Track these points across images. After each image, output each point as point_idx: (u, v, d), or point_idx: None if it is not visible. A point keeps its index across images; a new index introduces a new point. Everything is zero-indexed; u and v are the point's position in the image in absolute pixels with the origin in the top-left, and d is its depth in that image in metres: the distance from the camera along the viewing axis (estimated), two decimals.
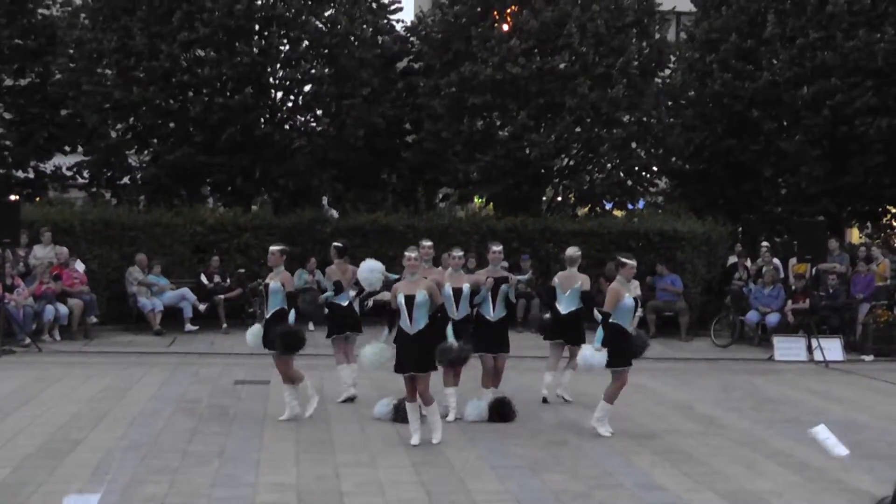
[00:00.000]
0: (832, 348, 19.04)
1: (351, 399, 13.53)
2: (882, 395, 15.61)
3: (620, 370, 11.81)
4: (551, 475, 9.96)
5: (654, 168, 26.59)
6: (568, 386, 14.07)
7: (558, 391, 13.99)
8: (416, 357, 11.02)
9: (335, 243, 14.50)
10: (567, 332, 13.85)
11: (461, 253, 12.85)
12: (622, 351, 11.73)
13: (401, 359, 11.14)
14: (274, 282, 12.32)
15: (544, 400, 13.79)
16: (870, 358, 19.39)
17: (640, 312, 16.02)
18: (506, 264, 21.16)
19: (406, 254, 11.27)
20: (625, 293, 11.74)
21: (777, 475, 10.28)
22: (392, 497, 9.07)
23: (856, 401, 14.83)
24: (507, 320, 13.30)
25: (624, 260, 12.05)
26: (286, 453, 10.67)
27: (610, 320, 11.71)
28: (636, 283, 21.42)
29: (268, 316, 12.35)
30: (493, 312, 12.94)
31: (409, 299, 11.01)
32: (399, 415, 11.92)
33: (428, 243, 13.36)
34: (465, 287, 12.48)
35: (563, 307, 13.76)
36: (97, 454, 10.35)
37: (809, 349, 19.14)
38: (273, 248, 12.71)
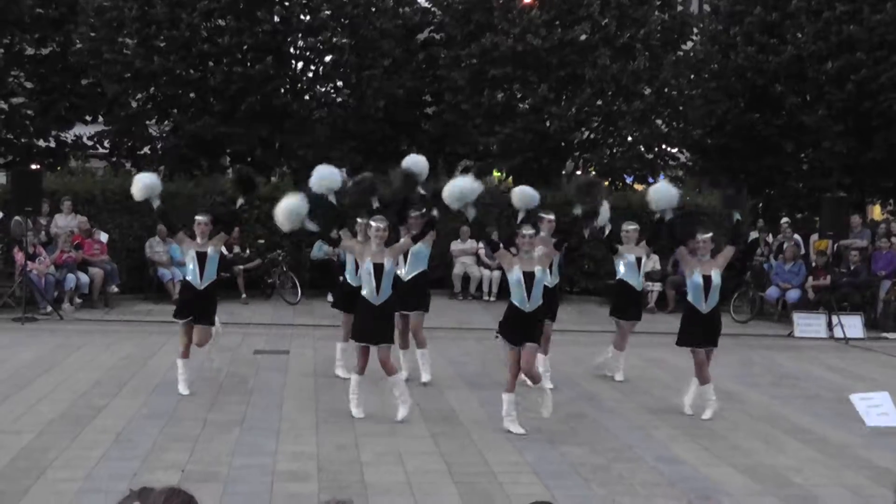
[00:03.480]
0: (853, 325, 18.95)
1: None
2: None
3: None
4: (570, 448, 9.97)
5: (675, 141, 26.46)
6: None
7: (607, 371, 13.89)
8: (378, 328, 10.76)
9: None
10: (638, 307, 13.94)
11: (532, 231, 10.84)
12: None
13: (361, 327, 10.86)
14: (212, 248, 12.05)
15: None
16: (892, 336, 19.28)
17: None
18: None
19: (372, 223, 10.87)
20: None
21: (796, 451, 10.25)
22: (411, 467, 9.10)
23: (875, 378, 14.76)
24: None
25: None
26: (306, 423, 10.70)
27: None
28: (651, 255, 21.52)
29: (203, 287, 12.05)
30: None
31: (378, 268, 10.70)
32: None
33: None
34: (538, 270, 10.48)
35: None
36: (119, 421, 10.42)
37: (830, 326, 19.04)
38: (202, 217, 12.28)
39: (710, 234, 11.76)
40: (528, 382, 10.84)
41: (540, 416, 10.82)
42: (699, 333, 11.57)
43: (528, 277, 10.34)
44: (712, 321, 11.60)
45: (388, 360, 10.83)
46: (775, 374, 14.98)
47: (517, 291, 10.40)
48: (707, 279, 11.37)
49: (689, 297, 11.66)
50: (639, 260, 13.30)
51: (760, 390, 13.51)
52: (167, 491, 3.19)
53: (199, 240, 12.13)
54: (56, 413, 10.72)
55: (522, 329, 10.39)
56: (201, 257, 12.00)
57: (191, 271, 12.10)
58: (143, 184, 12.04)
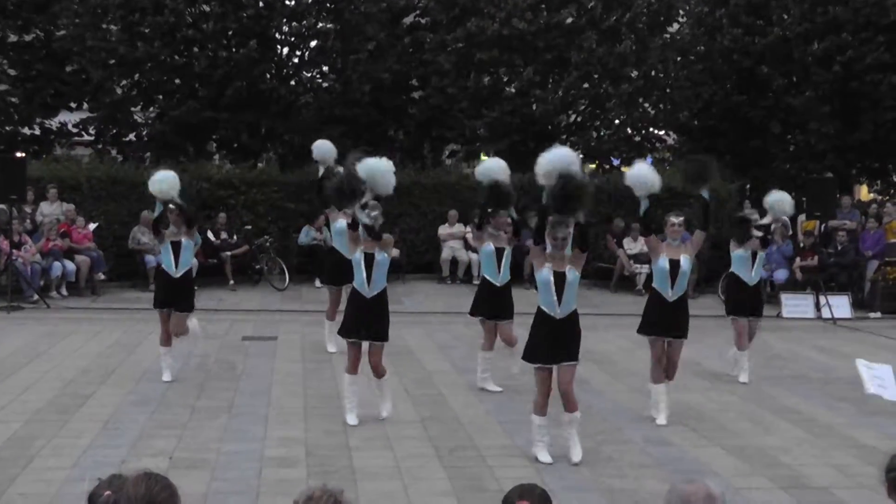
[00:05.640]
0: (840, 305, 19.02)
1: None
2: (889, 353, 15.47)
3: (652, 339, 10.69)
4: (560, 430, 9.94)
5: (662, 123, 26.47)
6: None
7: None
8: (370, 323, 9.97)
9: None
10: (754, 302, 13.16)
11: (569, 231, 9.07)
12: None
13: (351, 323, 10.05)
14: (185, 237, 12.05)
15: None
16: (877, 315, 19.35)
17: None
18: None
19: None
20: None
21: (784, 431, 10.29)
22: (400, 452, 9.10)
23: (863, 357, 14.75)
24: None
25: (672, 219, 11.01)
26: (294, 408, 10.69)
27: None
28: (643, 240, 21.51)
29: (178, 275, 12.03)
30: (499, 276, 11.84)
31: (369, 258, 9.92)
32: None
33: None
34: (570, 271, 8.94)
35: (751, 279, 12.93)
36: (107, 409, 10.40)
37: (817, 306, 19.10)
38: (173, 206, 12.14)
39: (682, 219, 11.09)
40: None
41: (531, 400, 10.77)
42: (662, 323, 10.57)
43: (559, 278, 8.89)
44: (678, 310, 10.55)
45: (379, 362, 10.21)
46: (763, 354, 14.98)
47: (545, 294, 8.93)
48: (675, 264, 10.43)
49: (655, 284, 10.67)
50: (754, 254, 12.63)
51: (748, 371, 13.51)
52: (144, 477, 3.13)
53: (172, 228, 12.16)
54: (43, 401, 10.69)
55: (554, 340, 8.90)
56: (175, 246, 12.04)
57: (166, 260, 12.11)
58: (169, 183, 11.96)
